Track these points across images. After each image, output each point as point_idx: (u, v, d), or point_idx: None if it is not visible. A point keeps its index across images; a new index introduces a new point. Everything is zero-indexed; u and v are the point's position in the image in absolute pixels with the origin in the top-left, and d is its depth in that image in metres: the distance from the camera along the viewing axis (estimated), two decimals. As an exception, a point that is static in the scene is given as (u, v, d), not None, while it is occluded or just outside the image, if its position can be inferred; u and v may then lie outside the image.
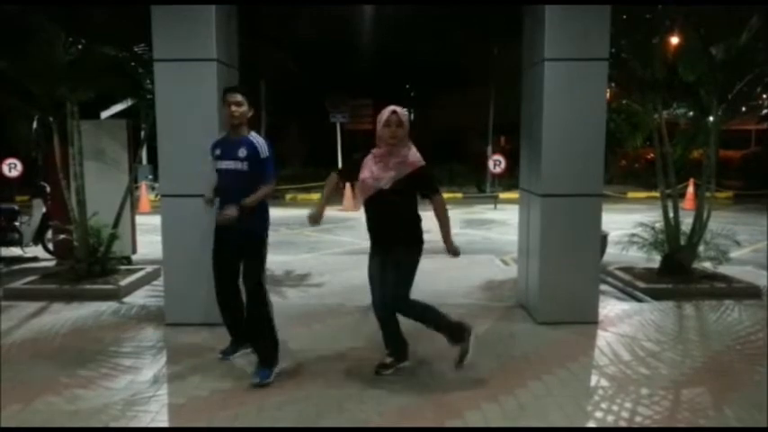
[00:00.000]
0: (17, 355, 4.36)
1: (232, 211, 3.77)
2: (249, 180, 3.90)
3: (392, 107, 3.73)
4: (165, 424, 3.31)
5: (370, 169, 3.74)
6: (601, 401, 3.57)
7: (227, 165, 3.93)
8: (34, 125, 7.56)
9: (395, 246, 3.81)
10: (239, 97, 3.92)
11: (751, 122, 13.38)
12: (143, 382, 3.86)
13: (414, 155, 3.75)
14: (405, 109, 3.79)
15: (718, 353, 4.39)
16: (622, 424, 3.29)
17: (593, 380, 3.91)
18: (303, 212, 14.82)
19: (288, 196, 17.69)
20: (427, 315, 3.93)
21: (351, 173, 3.90)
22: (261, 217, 4.03)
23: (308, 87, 20.06)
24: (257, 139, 3.98)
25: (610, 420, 3.33)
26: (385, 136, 3.68)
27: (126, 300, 5.88)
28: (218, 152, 3.99)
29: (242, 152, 3.91)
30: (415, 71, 22.53)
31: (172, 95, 4.83)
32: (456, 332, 3.90)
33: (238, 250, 4.00)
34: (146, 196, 14.60)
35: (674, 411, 3.45)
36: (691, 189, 13.66)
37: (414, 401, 3.56)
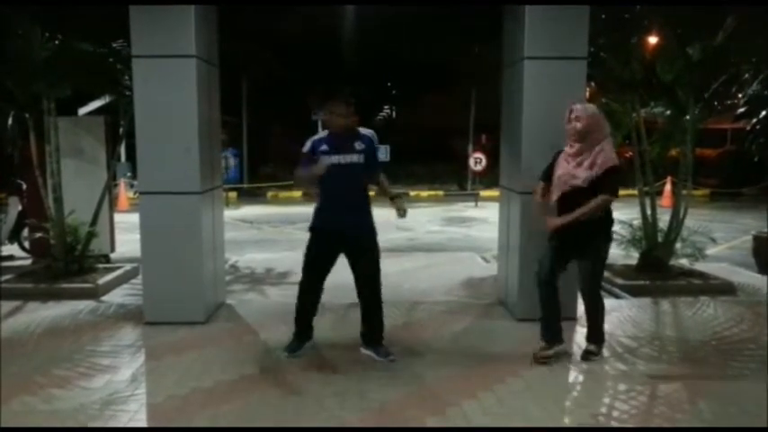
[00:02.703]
0: (-8, 355, 4.29)
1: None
2: (362, 173, 3.98)
3: (573, 103, 4.00)
4: (143, 423, 3.29)
5: (564, 167, 3.96)
6: (579, 397, 3.62)
7: (338, 159, 3.91)
8: (9, 121, 7.41)
9: (583, 244, 4.03)
10: (347, 108, 3.94)
11: (727, 121, 13.60)
12: (121, 381, 3.82)
13: (606, 155, 3.87)
14: (589, 107, 4.01)
15: (693, 348, 4.46)
16: (601, 419, 3.33)
17: (572, 376, 3.95)
18: (285, 210, 14.85)
19: (269, 194, 17.62)
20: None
21: (549, 174, 4.11)
22: (370, 213, 4.09)
23: (291, 85, 19.98)
24: (365, 130, 4.05)
25: (587, 415, 3.37)
26: (567, 132, 3.96)
27: (104, 298, 5.81)
28: (324, 148, 3.95)
29: (359, 145, 3.95)
30: (397, 70, 22.54)
31: (150, 92, 4.77)
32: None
33: (351, 249, 4.06)
34: (124, 194, 14.44)
35: (651, 406, 3.50)
36: (668, 187, 13.84)
37: (394, 399, 3.57)
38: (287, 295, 6.05)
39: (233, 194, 16.11)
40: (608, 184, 3.86)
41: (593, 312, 4.22)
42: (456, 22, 15.28)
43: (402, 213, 4.07)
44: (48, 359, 4.19)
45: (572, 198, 3.91)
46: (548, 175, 4.14)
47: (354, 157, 3.94)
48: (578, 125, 3.89)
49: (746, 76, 6.75)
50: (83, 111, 8.55)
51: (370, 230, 4.09)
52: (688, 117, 6.38)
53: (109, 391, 3.65)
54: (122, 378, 3.86)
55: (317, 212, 4.10)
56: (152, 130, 4.82)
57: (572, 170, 3.91)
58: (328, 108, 3.98)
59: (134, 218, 5.40)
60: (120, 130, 7.04)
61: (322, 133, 4.10)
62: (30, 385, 3.73)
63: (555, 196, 4.02)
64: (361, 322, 4.26)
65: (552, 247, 4.11)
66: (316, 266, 4.12)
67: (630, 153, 6.77)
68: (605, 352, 4.33)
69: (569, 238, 4.01)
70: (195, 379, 3.83)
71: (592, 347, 4.20)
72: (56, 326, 4.95)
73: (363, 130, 4.06)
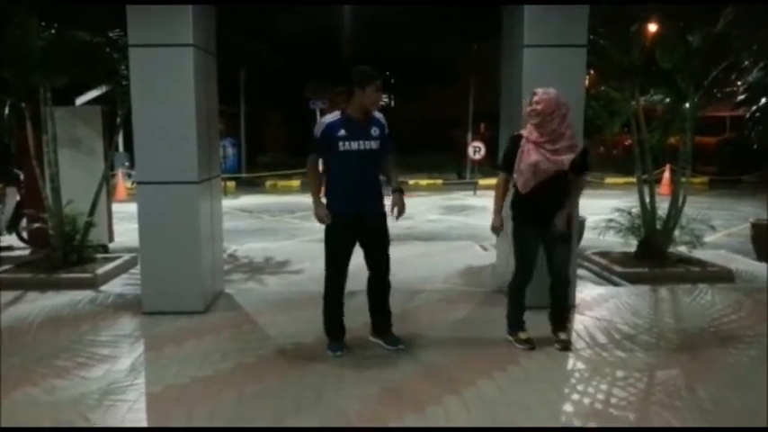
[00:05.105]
0: (-9, 346, 4.30)
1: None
2: (379, 159, 3.89)
3: (534, 89, 3.96)
4: (142, 413, 3.30)
5: (540, 154, 3.86)
6: (577, 384, 3.62)
7: (358, 145, 3.78)
8: (6, 111, 7.39)
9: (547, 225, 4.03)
10: (378, 89, 3.82)
11: (726, 109, 13.55)
12: (120, 371, 3.83)
13: (575, 135, 3.98)
14: (550, 90, 3.93)
15: (691, 335, 4.48)
16: (598, 406, 3.34)
17: (570, 363, 3.96)
18: (283, 199, 14.87)
19: (268, 183, 17.59)
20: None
21: (511, 163, 4.01)
22: (383, 198, 4.01)
23: (288, 74, 19.89)
24: (378, 114, 3.91)
25: (586, 402, 3.38)
26: (528, 115, 3.95)
27: (103, 288, 5.82)
28: (342, 133, 3.76)
29: (375, 131, 3.83)
30: (396, 60, 22.47)
31: (147, 81, 4.75)
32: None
33: (368, 235, 3.97)
34: (122, 184, 14.43)
35: (649, 393, 3.52)
36: (667, 174, 13.83)
37: (393, 387, 3.58)
38: (285, 284, 6.07)
39: (231, 184, 16.10)
40: (587, 163, 4.02)
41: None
42: (454, 23, 15.25)
43: (398, 212, 3.95)
44: (48, 349, 4.19)
45: (552, 184, 3.91)
46: (510, 165, 4.02)
47: (372, 144, 3.81)
48: (538, 107, 3.86)
49: (746, 63, 6.72)
50: (80, 101, 8.50)
51: (384, 216, 4.02)
52: (687, 105, 6.36)
53: (108, 381, 3.66)
54: (122, 368, 3.87)
55: (333, 199, 3.92)
56: (149, 119, 4.79)
57: (551, 156, 3.85)
58: (370, 88, 3.75)
59: (132, 207, 5.38)
60: (118, 119, 7.01)
61: (333, 116, 3.86)
62: (31, 376, 3.74)
63: (530, 185, 3.92)
64: (372, 312, 4.21)
65: (535, 234, 4.10)
66: (341, 256, 3.97)
67: (629, 141, 6.75)
68: (604, 339, 4.35)
69: (542, 221, 4.03)
70: (195, 368, 3.84)
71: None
72: (55, 316, 4.96)
73: (377, 114, 3.91)
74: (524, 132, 4.00)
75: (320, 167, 4.08)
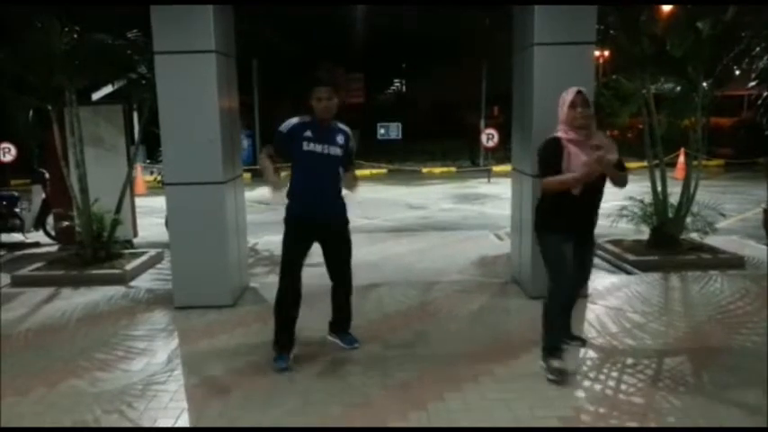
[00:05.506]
0: (35, 341, 4.58)
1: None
2: (339, 166, 3.95)
3: (576, 88, 3.61)
4: (183, 402, 3.54)
5: (587, 155, 3.49)
6: (589, 371, 3.81)
7: (322, 148, 3.85)
8: (30, 112, 7.61)
9: (592, 229, 3.81)
10: (329, 91, 3.80)
11: (743, 88, 13.44)
12: (159, 363, 4.08)
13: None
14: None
15: (699, 323, 4.64)
16: (608, 393, 3.53)
17: (582, 351, 4.14)
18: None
19: (282, 174, 17.75)
20: None
21: (557, 169, 3.60)
22: (345, 203, 4.11)
23: (300, 63, 19.98)
24: (343, 125, 4.01)
25: (597, 388, 3.57)
26: (576, 117, 3.54)
27: (132, 284, 6.07)
28: (308, 134, 3.83)
29: (340, 139, 3.92)
30: (406, 44, 22.46)
31: (173, 87, 4.94)
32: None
33: (331, 238, 4.05)
34: (141, 178, 14.70)
35: (656, 379, 3.70)
36: (681, 158, 13.81)
37: (413, 377, 3.78)
38: (306, 277, 6.21)
39: (247, 176, 16.25)
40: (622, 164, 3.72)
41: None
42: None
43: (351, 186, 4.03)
44: (88, 344, 4.45)
45: (594, 184, 3.61)
46: (555, 171, 3.59)
47: (337, 150, 3.91)
48: (592, 110, 3.60)
49: (757, 49, 6.77)
50: (95, 96, 8.70)
51: (346, 221, 4.12)
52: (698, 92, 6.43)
53: (148, 373, 3.92)
54: (159, 361, 4.12)
55: (295, 202, 3.96)
56: (175, 123, 5.00)
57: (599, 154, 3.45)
58: (314, 95, 3.79)
59: (152, 201, 5.57)
60: (134, 114, 7.14)
61: (304, 118, 3.90)
62: (75, 369, 4.00)
63: (579, 187, 3.55)
64: (333, 310, 4.33)
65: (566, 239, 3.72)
66: (298, 261, 3.99)
67: (641, 125, 6.83)
68: (615, 328, 4.52)
69: (585, 226, 3.78)
70: (228, 360, 4.08)
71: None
72: (91, 311, 5.22)
73: (342, 125, 4.02)
74: (564, 135, 3.60)
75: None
